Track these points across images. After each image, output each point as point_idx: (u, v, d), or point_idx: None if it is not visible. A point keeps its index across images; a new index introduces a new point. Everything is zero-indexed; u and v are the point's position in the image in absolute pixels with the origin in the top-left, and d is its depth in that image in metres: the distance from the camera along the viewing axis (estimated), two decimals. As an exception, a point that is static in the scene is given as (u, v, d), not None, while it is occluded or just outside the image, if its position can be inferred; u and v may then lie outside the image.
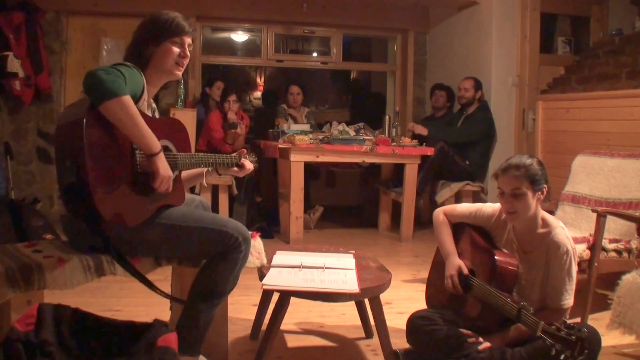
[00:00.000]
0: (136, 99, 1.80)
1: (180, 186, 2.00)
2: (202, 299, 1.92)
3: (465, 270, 2.15)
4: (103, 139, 1.70)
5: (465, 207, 2.32)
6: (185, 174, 2.14)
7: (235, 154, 2.23)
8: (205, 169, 2.20)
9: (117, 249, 1.82)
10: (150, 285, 1.86)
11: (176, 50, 1.93)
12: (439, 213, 2.35)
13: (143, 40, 1.91)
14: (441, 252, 2.28)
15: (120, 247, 1.84)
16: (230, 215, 4.65)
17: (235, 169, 2.22)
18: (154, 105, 2.06)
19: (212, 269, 1.92)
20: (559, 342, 1.74)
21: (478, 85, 4.91)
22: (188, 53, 1.97)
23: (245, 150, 2.26)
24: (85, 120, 1.64)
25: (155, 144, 1.75)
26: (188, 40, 1.96)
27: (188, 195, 2.10)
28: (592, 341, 1.78)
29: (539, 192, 2.05)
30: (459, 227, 2.31)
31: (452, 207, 2.37)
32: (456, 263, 2.17)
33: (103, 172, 1.68)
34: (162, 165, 1.78)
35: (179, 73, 1.98)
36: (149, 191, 1.82)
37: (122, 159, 1.76)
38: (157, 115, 2.07)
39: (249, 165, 2.24)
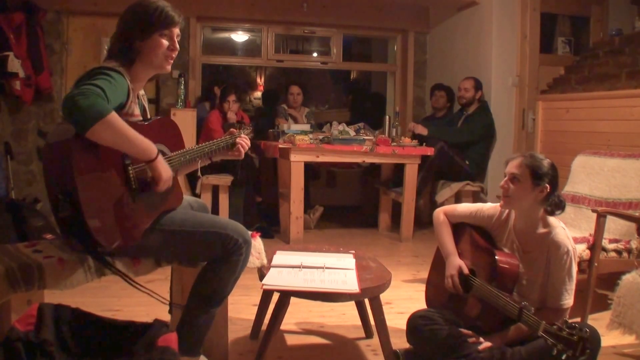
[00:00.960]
0: (122, 105, 1.74)
1: (177, 187, 1.98)
2: (202, 301, 1.92)
3: (466, 270, 2.15)
4: (93, 165, 1.63)
5: (465, 207, 2.33)
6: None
7: (227, 135, 2.14)
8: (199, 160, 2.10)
9: (117, 253, 1.82)
10: (149, 293, 1.86)
11: (165, 43, 1.84)
12: (439, 213, 2.35)
13: (129, 33, 1.81)
14: (441, 252, 2.29)
15: (121, 252, 1.83)
16: (231, 209, 4.65)
17: (230, 152, 2.14)
18: (142, 92, 1.97)
19: (213, 272, 1.91)
20: (560, 342, 1.74)
21: (478, 86, 4.91)
22: (177, 46, 1.89)
23: (234, 130, 2.16)
24: (72, 148, 1.58)
25: (151, 150, 1.70)
26: (177, 31, 1.87)
27: (186, 197, 2.09)
28: (592, 341, 1.78)
29: (538, 189, 2.05)
30: (459, 227, 2.31)
31: (452, 207, 2.37)
32: (456, 263, 2.17)
33: (98, 200, 1.64)
34: (163, 168, 1.75)
35: (169, 67, 1.90)
36: (146, 203, 1.80)
37: (115, 180, 1.70)
38: (145, 104, 2.00)
39: (243, 144, 2.13)
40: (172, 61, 1.90)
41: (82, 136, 1.57)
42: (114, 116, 1.58)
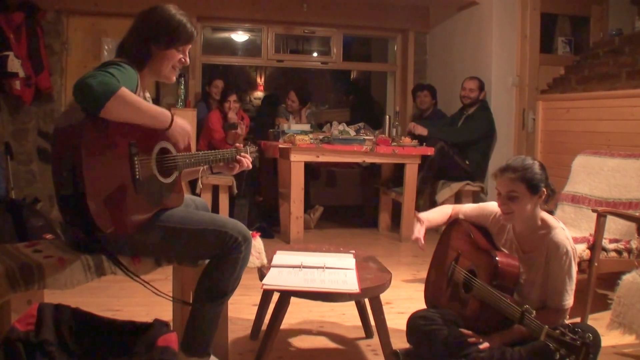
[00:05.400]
0: None
1: (179, 188, 1.99)
2: (206, 300, 1.92)
3: (421, 237, 2.25)
4: (101, 149, 1.66)
5: (467, 206, 2.38)
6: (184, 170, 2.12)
7: (233, 148, 2.18)
8: (202, 168, 2.15)
9: (117, 250, 1.83)
10: (151, 287, 1.86)
11: (179, 56, 1.92)
12: (447, 206, 2.45)
13: (149, 39, 1.86)
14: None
15: (121, 249, 1.84)
16: (231, 213, 4.65)
17: (233, 164, 2.17)
18: (147, 95, 2.02)
19: (214, 270, 1.92)
20: (563, 347, 1.72)
21: (482, 86, 4.91)
22: (188, 60, 1.96)
23: (240, 146, 2.21)
24: (82, 131, 1.60)
25: (166, 116, 1.79)
26: (190, 46, 1.96)
27: (186, 197, 2.09)
28: (593, 344, 1.77)
29: (537, 196, 2.04)
30: (458, 225, 2.32)
31: (458, 206, 2.41)
32: (417, 227, 2.28)
33: (101, 184, 1.65)
34: (180, 132, 1.84)
35: (174, 78, 1.97)
36: (148, 195, 1.81)
37: (120, 167, 1.72)
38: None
39: (246, 162, 2.17)
40: (177, 72, 1.97)
41: (92, 119, 1.61)
42: (125, 90, 1.62)
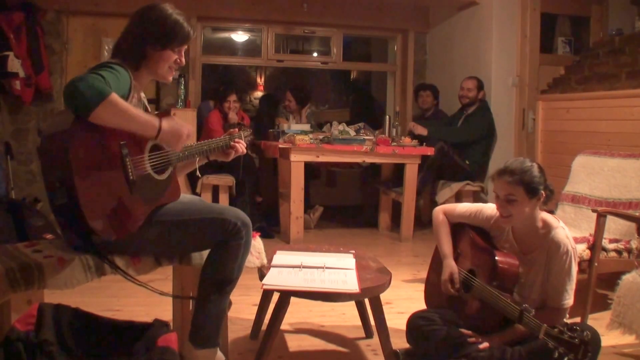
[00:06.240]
0: (124, 98, 1.74)
1: (175, 183, 1.98)
2: (211, 290, 1.91)
3: (456, 277, 2.16)
4: (90, 155, 1.64)
5: (465, 208, 2.32)
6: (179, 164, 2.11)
7: (226, 135, 2.17)
8: (197, 158, 2.13)
9: (116, 251, 1.82)
10: (148, 287, 1.86)
11: (175, 56, 1.90)
12: (438, 212, 2.34)
13: (144, 39, 1.84)
14: (439, 253, 2.29)
15: (120, 250, 1.83)
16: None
17: (229, 151, 2.16)
18: (142, 95, 1.99)
19: (217, 259, 1.91)
20: (562, 345, 1.73)
21: (481, 85, 4.90)
22: (184, 60, 1.95)
23: (234, 131, 2.19)
24: (69, 138, 1.58)
25: (154, 125, 1.72)
26: (186, 46, 1.94)
27: (183, 195, 2.09)
28: (592, 343, 1.78)
29: (535, 198, 2.04)
30: (459, 226, 2.31)
31: (452, 207, 2.36)
32: (449, 268, 2.17)
33: (94, 190, 1.63)
34: (171, 137, 1.77)
35: (171, 78, 1.95)
36: (144, 195, 1.79)
37: (112, 170, 1.70)
38: (146, 104, 2.02)
39: (240, 147, 2.16)
40: (174, 73, 1.96)
41: (80, 125, 1.58)
42: (115, 96, 1.59)
